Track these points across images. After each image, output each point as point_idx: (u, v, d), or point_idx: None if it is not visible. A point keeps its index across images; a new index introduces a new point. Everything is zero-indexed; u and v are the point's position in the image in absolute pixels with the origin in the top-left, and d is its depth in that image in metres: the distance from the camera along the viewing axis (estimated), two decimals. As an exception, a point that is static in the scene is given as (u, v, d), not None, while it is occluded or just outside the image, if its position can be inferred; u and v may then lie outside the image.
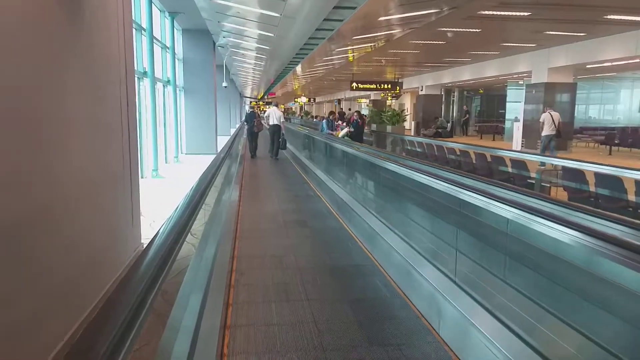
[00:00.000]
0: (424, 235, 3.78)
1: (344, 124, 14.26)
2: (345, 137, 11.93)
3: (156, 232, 1.81)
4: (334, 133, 12.87)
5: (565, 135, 16.81)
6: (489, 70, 20.80)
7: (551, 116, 12.85)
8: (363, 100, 43.72)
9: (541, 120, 13.21)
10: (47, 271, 3.13)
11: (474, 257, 3.00)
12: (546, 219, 2.17)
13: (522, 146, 17.94)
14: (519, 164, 7.47)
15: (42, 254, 3.07)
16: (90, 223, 3.83)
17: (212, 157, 14.31)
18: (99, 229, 4.02)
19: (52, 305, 3.17)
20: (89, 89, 3.86)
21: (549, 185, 6.51)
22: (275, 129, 13.73)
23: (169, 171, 12.15)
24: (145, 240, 5.66)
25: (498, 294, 2.70)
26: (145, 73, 10.52)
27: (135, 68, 10.29)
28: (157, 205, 8.03)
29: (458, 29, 13.08)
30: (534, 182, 6.84)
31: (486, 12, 10.86)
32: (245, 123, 15.63)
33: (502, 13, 10.89)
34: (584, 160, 6.50)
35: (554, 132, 12.90)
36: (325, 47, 14.16)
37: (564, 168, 6.25)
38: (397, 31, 13.12)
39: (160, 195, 8.98)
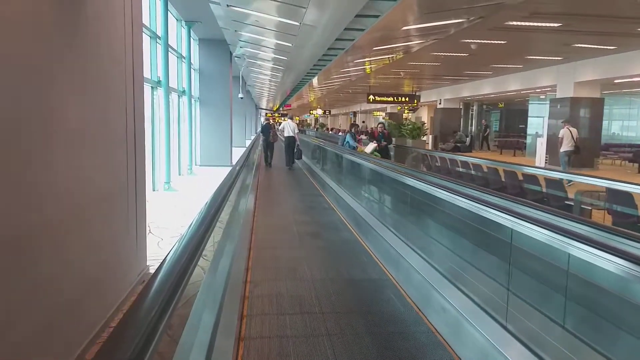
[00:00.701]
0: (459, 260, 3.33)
1: (365, 136, 13.80)
2: (375, 153, 11.12)
3: (166, 256, 1.60)
4: (358, 147, 12.12)
5: (592, 152, 16.27)
6: (511, 84, 20.26)
7: (570, 132, 12.72)
8: (378, 113, 43.37)
9: (560, 135, 12.98)
10: (27, 306, 2.69)
11: (504, 282, 2.70)
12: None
13: (545, 162, 17.33)
14: (554, 183, 6.94)
15: (22, 285, 2.64)
16: (82, 247, 3.42)
17: (227, 169, 14.16)
18: (94, 253, 3.61)
19: (42, 340, 2.75)
20: (80, 89, 3.42)
21: (590, 208, 5.97)
22: (290, 141, 14.39)
23: (182, 184, 11.81)
24: (152, 261, 5.26)
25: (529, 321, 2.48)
26: (159, 82, 10.23)
27: (149, 77, 10.02)
28: (168, 220, 7.64)
29: (482, 41, 12.64)
30: (572, 203, 6.30)
31: (514, 23, 10.40)
32: (261, 134, 16.53)
33: (531, 24, 10.44)
34: (624, 181, 5.96)
35: (572, 148, 12.76)
36: (344, 58, 13.81)
37: (608, 189, 5.71)
38: (418, 42, 12.71)
39: (171, 210, 8.61)
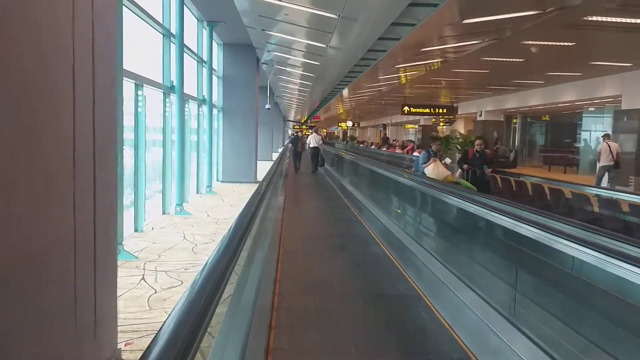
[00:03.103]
0: None
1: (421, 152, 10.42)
2: (465, 184, 7.62)
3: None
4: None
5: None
6: (565, 94, 18.26)
7: (609, 146, 12.71)
8: (411, 126, 41.54)
9: (599, 150, 13.08)
10: None
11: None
12: None
13: (608, 182, 15.35)
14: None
15: None
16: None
17: (250, 185, 13.12)
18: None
19: None
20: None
21: None
22: (315, 151, 17.45)
23: (198, 205, 10.34)
24: (139, 325, 3.72)
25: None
26: (172, 87, 8.83)
27: (160, 81, 8.64)
28: (171, 254, 6.10)
29: (548, 42, 10.88)
30: None
31: (595, 19, 8.63)
32: (290, 144, 19.68)
33: (616, 20, 8.65)
34: None
35: (611, 163, 12.73)
36: (382, 63, 12.23)
37: None
38: (468, 44, 11.04)
39: (178, 240, 7.08)
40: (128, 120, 7.44)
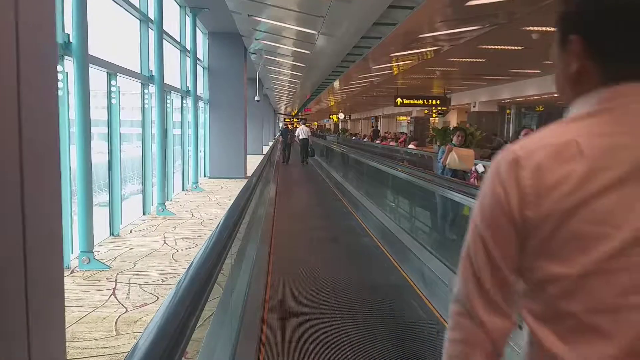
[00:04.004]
0: None
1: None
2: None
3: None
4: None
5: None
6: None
7: None
8: (403, 118, 40.99)
9: None
10: None
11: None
12: None
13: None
14: None
15: None
16: None
17: (239, 181, 12.80)
18: None
19: None
20: None
21: None
22: (305, 142, 18.70)
23: (183, 203, 9.70)
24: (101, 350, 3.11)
25: None
26: (151, 78, 8.14)
27: (139, 71, 7.98)
28: (150, 262, 5.48)
29: (549, 28, 10.33)
30: None
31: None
32: (281, 136, 20.50)
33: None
34: None
35: None
36: (376, 51, 11.63)
37: None
38: (468, 29, 10.46)
39: (158, 244, 6.46)
40: (101, 114, 6.79)
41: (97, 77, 6.31)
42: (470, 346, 0.74)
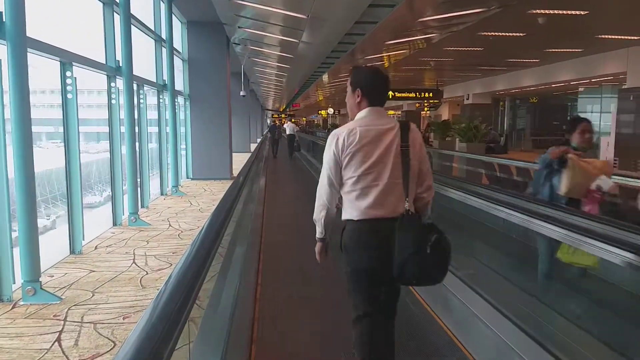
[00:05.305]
0: None
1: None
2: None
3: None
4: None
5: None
6: (562, 73, 17.05)
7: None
8: (392, 112, 40.12)
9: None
10: None
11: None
12: None
13: (614, 167, 14.21)
14: None
15: None
16: None
17: (225, 182, 13.59)
18: None
19: None
20: None
21: None
22: (291, 137, 19.70)
23: (160, 210, 8.72)
24: None
25: None
26: (118, 69, 7.13)
27: (104, 61, 6.98)
28: (105, 302, 4.49)
29: (556, 11, 9.54)
30: None
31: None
32: (269, 132, 22.39)
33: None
34: None
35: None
36: (370, 39, 10.72)
37: None
38: (471, 12, 9.59)
39: (125, 264, 5.50)
40: (56, 112, 5.81)
41: (47, 66, 5.33)
42: (330, 203, 2.30)
